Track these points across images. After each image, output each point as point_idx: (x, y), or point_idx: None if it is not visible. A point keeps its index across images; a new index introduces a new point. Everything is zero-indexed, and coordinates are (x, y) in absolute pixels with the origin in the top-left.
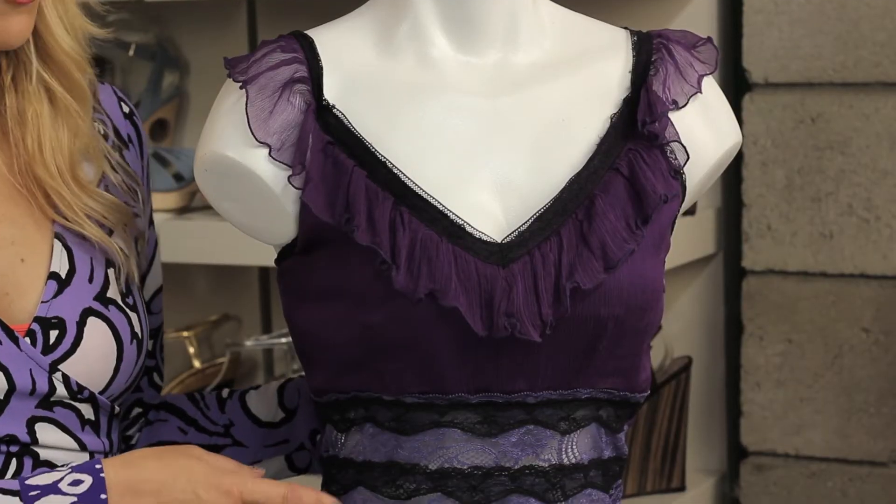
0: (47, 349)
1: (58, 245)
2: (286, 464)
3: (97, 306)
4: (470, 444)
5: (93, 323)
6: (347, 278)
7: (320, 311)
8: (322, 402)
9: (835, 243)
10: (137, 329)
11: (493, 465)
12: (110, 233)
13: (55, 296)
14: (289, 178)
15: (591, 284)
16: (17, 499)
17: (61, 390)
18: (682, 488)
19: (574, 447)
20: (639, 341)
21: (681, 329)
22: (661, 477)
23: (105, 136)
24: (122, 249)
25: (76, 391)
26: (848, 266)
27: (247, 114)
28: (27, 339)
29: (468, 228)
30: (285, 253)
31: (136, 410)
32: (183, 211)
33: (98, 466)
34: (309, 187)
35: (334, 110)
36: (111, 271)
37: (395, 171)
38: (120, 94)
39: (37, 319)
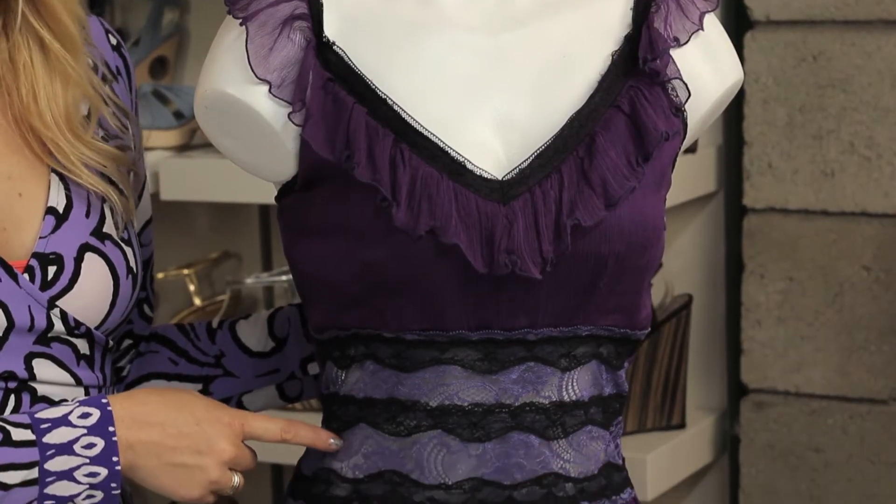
0: (45, 285)
1: (55, 180)
2: (277, 393)
3: (94, 242)
4: (470, 381)
5: (90, 258)
6: (347, 215)
7: (320, 248)
8: (322, 339)
9: (836, 181)
10: (133, 264)
11: (494, 402)
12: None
13: (53, 231)
14: (289, 114)
15: (592, 221)
16: (29, 431)
17: (59, 326)
18: (682, 425)
19: (574, 384)
20: (639, 279)
21: (681, 267)
22: (662, 414)
23: (94, 69)
24: (117, 188)
25: (73, 327)
26: (849, 204)
27: (247, 50)
28: (26, 276)
29: (469, 165)
30: (285, 190)
31: (127, 342)
32: (183, 149)
33: (104, 401)
34: (309, 124)
35: (334, 47)
36: (107, 206)
37: (395, 108)
38: (107, 27)
39: (35, 255)
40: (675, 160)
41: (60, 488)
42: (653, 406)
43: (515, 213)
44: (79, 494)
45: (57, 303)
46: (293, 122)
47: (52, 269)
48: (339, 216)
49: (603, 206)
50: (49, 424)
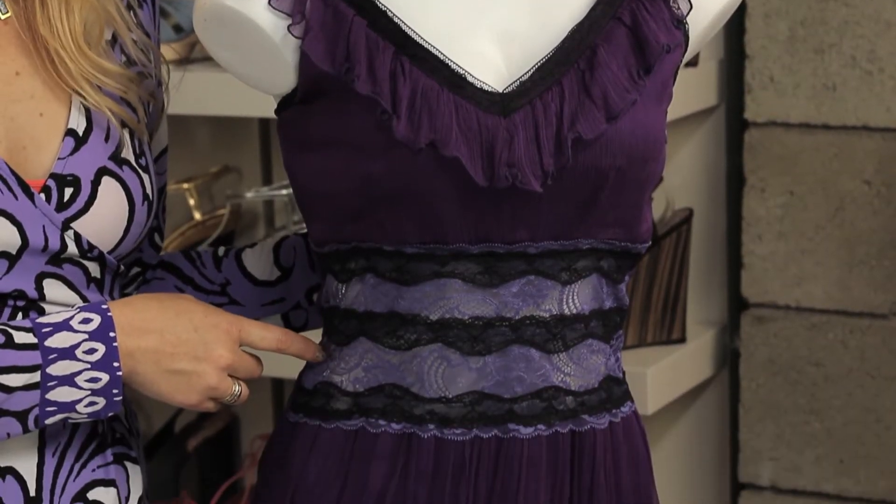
0: (61, 206)
1: (76, 102)
2: (283, 322)
3: (112, 166)
4: (471, 294)
5: (107, 182)
6: (348, 128)
7: (320, 161)
8: (323, 252)
9: (838, 95)
10: (149, 190)
11: (494, 315)
12: (122, 96)
13: (72, 153)
14: (288, 27)
15: (593, 134)
16: (31, 335)
17: (72, 248)
18: (682, 340)
19: (575, 297)
20: (640, 192)
21: (682, 181)
22: (662, 328)
23: None
24: (133, 112)
25: (87, 250)
26: (850, 118)
27: None
28: (42, 196)
29: (469, 78)
30: (285, 103)
31: (135, 269)
32: (183, 62)
33: (105, 307)
34: (309, 36)
35: None
36: (126, 131)
37: (395, 20)
38: None
39: (52, 176)
40: (676, 73)
41: (62, 394)
42: (653, 320)
43: (516, 126)
44: (80, 400)
45: (72, 225)
46: (292, 35)
47: (68, 191)
48: (340, 129)
49: (604, 119)
50: (51, 329)
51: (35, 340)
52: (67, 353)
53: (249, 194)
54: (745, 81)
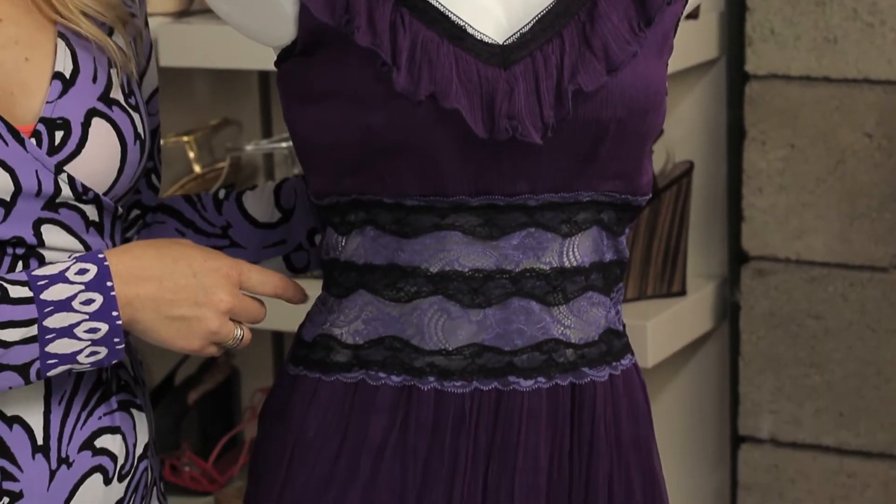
0: (52, 150)
1: (61, 44)
2: (284, 264)
3: (101, 107)
4: (471, 247)
5: (97, 123)
6: (347, 80)
7: (320, 113)
8: (323, 204)
9: (839, 48)
10: (140, 129)
11: (494, 268)
12: (110, 32)
13: (60, 96)
14: None
15: (594, 86)
16: (26, 288)
17: (66, 191)
18: (682, 293)
19: (575, 250)
20: (640, 144)
21: (683, 134)
22: (662, 281)
23: None
24: (121, 49)
25: (81, 192)
26: (852, 71)
27: None
28: (33, 140)
29: (469, 30)
30: (285, 55)
31: (135, 212)
32: (182, 14)
33: (101, 256)
34: None
35: None
36: (113, 71)
37: None
38: None
39: (42, 120)
40: (677, 25)
41: (61, 346)
42: (653, 273)
43: (516, 78)
44: (81, 351)
45: (64, 168)
46: None
47: (59, 134)
48: (339, 81)
49: (604, 71)
50: (46, 281)
51: (31, 294)
52: (64, 306)
53: (249, 147)
54: (745, 34)
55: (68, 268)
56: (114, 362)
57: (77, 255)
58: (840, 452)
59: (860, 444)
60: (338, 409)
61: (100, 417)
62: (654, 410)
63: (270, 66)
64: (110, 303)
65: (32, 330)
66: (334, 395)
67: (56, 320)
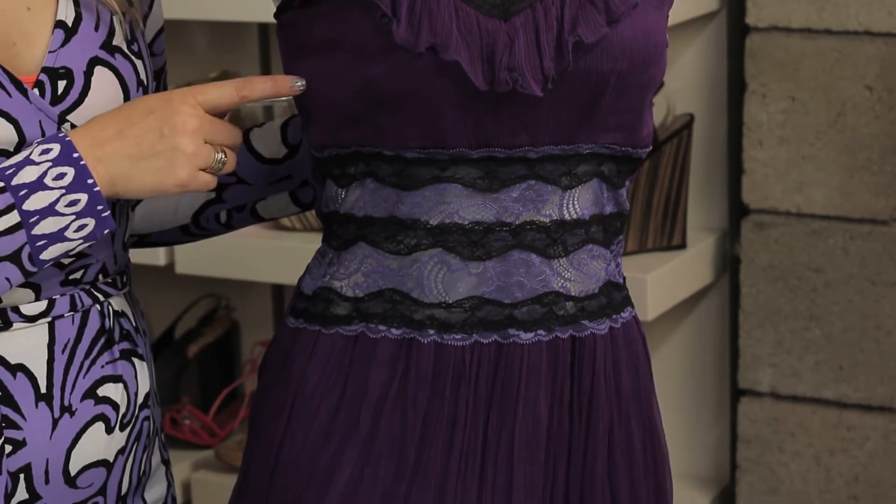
0: (55, 100)
1: None
2: (291, 199)
3: (103, 55)
4: (471, 199)
5: (100, 72)
6: (348, 31)
7: (320, 65)
8: (322, 157)
9: (840, 0)
10: (143, 76)
11: (494, 220)
12: None
13: (62, 45)
14: None
15: (594, 38)
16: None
17: None
18: (682, 245)
19: (575, 202)
20: (641, 96)
21: (683, 86)
22: (662, 234)
23: None
24: None
25: None
26: (853, 23)
27: None
28: (36, 91)
29: None
30: (285, 6)
31: None
32: None
33: (61, 134)
34: None
35: None
36: (116, 18)
37: None
38: None
39: (45, 70)
40: None
41: (47, 225)
42: (653, 226)
43: (516, 30)
44: (67, 227)
45: (67, 117)
46: None
47: (61, 84)
48: (339, 33)
49: (605, 23)
50: (13, 169)
51: (1, 184)
52: (38, 186)
53: None
54: None
55: (31, 151)
56: (106, 232)
57: (38, 139)
58: (839, 406)
59: (860, 397)
60: (337, 361)
61: (102, 366)
62: (654, 364)
63: (270, 18)
64: (82, 172)
65: (14, 216)
66: (334, 348)
67: (34, 202)
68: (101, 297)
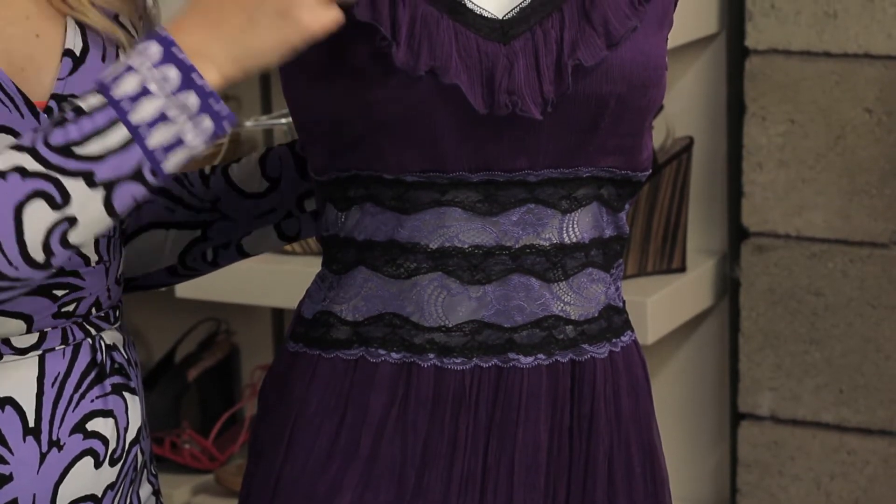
0: None
1: (71, 23)
2: (276, 233)
3: None
4: (471, 222)
5: None
6: (347, 55)
7: (320, 88)
8: (322, 180)
9: (839, 22)
10: None
11: (494, 244)
12: (115, 16)
13: (70, 73)
14: None
15: (594, 61)
16: (99, 95)
17: None
18: (682, 269)
19: (575, 226)
20: (640, 119)
21: (683, 109)
22: (662, 257)
23: None
24: (128, 31)
25: None
26: (852, 45)
27: None
28: (45, 116)
29: (469, 4)
30: None
31: None
32: None
33: (160, 33)
34: None
35: None
36: (121, 51)
37: None
38: None
39: (54, 96)
40: (676, 0)
41: (160, 136)
42: (653, 249)
43: (516, 53)
44: (182, 132)
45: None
46: None
47: None
48: (339, 56)
49: (604, 46)
50: (113, 79)
51: (104, 99)
52: (142, 94)
53: (248, 123)
54: (746, 8)
55: (129, 58)
56: (229, 129)
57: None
58: (840, 429)
59: (860, 420)
60: (337, 386)
61: (92, 400)
62: (653, 387)
63: None
64: (186, 70)
65: (122, 131)
66: (334, 372)
67: (141, 113)
68: (93, 331)
